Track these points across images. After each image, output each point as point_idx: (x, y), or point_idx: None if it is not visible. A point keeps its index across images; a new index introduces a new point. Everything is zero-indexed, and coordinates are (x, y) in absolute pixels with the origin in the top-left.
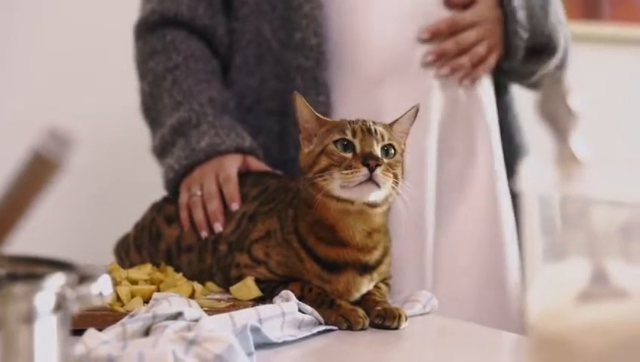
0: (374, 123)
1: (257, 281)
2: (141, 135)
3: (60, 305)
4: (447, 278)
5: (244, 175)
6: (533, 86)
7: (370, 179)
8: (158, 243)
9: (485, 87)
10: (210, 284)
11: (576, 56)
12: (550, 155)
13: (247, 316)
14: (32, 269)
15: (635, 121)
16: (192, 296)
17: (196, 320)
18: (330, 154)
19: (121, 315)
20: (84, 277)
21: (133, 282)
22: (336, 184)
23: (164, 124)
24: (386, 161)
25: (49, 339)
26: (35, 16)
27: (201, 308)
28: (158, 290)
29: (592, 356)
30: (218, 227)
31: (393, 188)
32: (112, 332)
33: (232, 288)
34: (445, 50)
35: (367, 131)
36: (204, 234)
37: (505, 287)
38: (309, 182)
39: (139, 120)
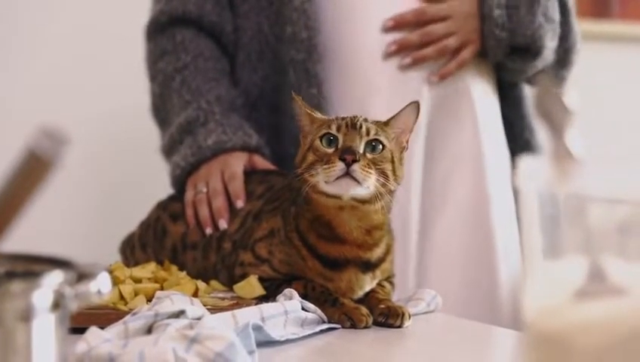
0: (365, 120)
1: (261, 280)
2: (146, 135)
3: (58, 303)
4: (433, 280)
5: (250, 173)
6: (530, 82)
7: (348, 174)
8: (163, 240)
9: (479, 85)
10: (214, 283)
11: (586, 54)
12: (546, 152)
13: (249, 314)
14: (31, 267)
15: None
16: (195, 295)
17: (198, 319)
18: (315, 150)
19: (125, 314)
20: (83, 275)
21: (137, 280)
22: (320, 179)
23: (173, 124)
24: (369, 156)
25: (47, 337)
26: (42, 16)
27: (205, 306)
28: (162, 289)
29: (589, 353)
30: (223, 224)
31: (384, 184)
32: (114, 330)
33: (236, 286)
34: (408, 40)
35: (351, 126)
36: (208, 231)
37: (492, 290)
38: (297, 178)
39: (144, 119)
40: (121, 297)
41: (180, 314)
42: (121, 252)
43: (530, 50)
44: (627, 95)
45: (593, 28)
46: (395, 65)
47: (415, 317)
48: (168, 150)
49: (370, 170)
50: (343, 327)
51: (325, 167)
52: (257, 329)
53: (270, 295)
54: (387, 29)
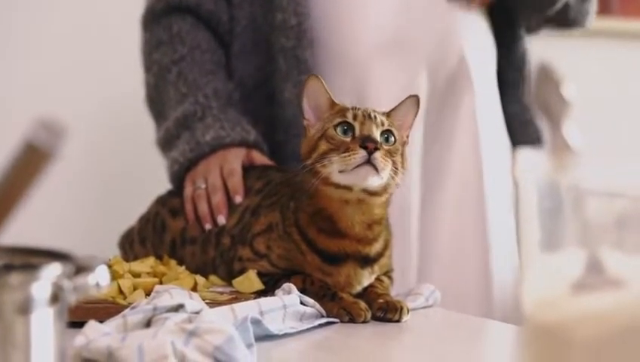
0: (374, 110)
1: (259, 274)
2: (145, 128)
3: (56, 296)
4: (428, 267)
5: (248, 168)
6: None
7: (369, 162)
8: (162, 235)
9: (478, 61)
10: (212, 277)
11: (586, 50)
12: (544, 144)
13: (248, 308)
14: (29, 260)
15: None
16: (194, 289)
17: (197, 313)
18: (330, 139)
19: (124, 308)
20: (82, 268)
21: (136, 275)
22: (334, 169)
23: (169, 117)
24: (385, 147)
25: (46, 330)
26: (39, 7)
27: (204, 300)
28: (161, 283)
29: (587, 345)
30: (221, 219)
31: (392, 177)
32: (113, 323)
33: (235, 281)
34: None
35: (367, 116)
36: (208, 226)
37: (488, 276)
38: (308, 169)
39: (142, 113)
40: (120, 291)
41: (178, 308)
42: (120, 246)
43: None
44: (627, 91)
45: (593, 25)
46: (389, 52)
47: (413, 311)
48: (165, 144)
49: (388, 160)
50: (342, 322)
51: (344, 155)
52: (256, 323)
53: (269, 289)
54: None
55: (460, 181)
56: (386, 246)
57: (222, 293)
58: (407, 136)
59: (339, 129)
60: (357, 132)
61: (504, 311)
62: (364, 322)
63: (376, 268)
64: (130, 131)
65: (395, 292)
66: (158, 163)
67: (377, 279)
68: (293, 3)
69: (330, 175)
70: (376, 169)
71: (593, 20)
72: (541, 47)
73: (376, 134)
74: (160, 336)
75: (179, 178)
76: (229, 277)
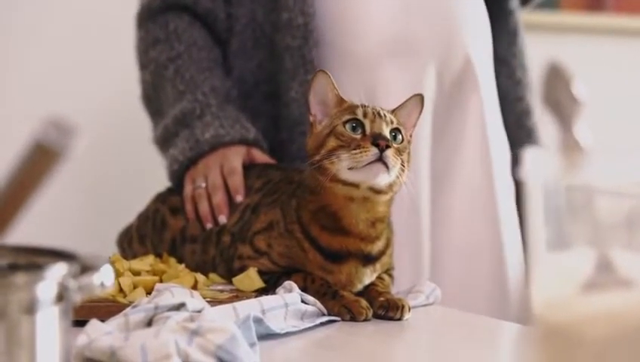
0: (382, 108)
1: (260, 272)
2: (142, 126)
3: (61, 295)
4: (441, 266)
5: (248, 167)
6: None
7: (380, 160)
8: (162, 233)
9: (483, 59)
10: (213, 275)
11: (580, 47)
12: (554, 143)
13: (249, 307)
14: (34, 259)
15: (638, 111)
16: (194, 287)
17: (199, 311)
18: (339, 135)
19: (124, 306)
20: (86, 267)
21: (136, 273)
22: (343, 166)
23: (167, 114)
24: (394, 145)
25: (51, 329)
26: (35, 8)
27: (204, 299)
28: (161, 281)
29: (597, 345)
30: (223, 219)
31: (399, 175)
32: (115, 323)
33: (235, 279)
34: None
35: (377, 114)
36: (209, 226)
37: (500, 274)
38: (315, 165)
39: (138, 110)
40: (120, 290)
41: (180, 306)
42: (119, 244)
43: None
44: (621, 88)
45: (587, 21)
46: (395, 51)
47: (414, 309)
48: (163, 142)
49: (397, 158)
50: (343, 320)
51: (355, 152)
52: (258, 321)
53: (269, 288)
54: None
55: (469, 180)
56: (388, 244)
57: (222, 291)
58: (411, 135)
59: (348, 126)
60: (367, 129)
61: (518, 308)
62: (365, 320)
63: (377, 266)
64: (127, 129)
65: (395, 290)
66: (155, 161)
67: (378, 277)
68: (299, 2)
69: (339, 172)
70: (386, 166)
71: None
72: (535, 43)
73: (386, 132)
74: (163, 335)
75: (179, 176)
76: (228, 275)
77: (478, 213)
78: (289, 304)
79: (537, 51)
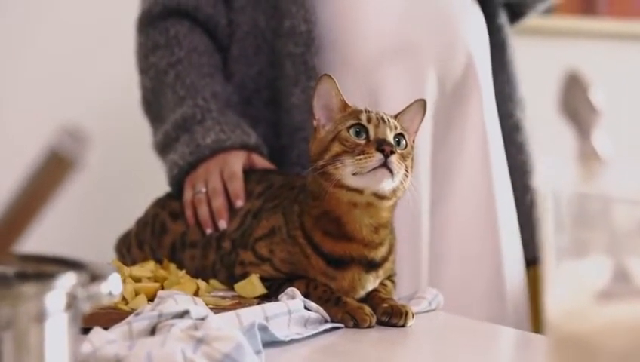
0: (385, 114)
1: (262, 279)
2: (140, 131)
3: (70, 304)
4: (439, 271)
5: (248, 172)
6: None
7: (385, 165)
8: (162, 237)
9: (483, 63)
10: (213, 281)
11: (573, 51)
12: (570, 152)
13: (253, 314)
14: (41, 268)
15: (632, 116)
16: (196, 294)
17: (202, 319)
18: (343, 141)
19: (126, 313)
20: (94, 276)
21: (137, 279)
22: (347, 171)
23: (167, 120)
24: (398, 151)
25: (60, 338)
26: (35, 11)
27: (207, 305)
28: (162, 288)
29: (612, 356)
30: (223, 224)
31: (402, 181)
32: (118, 330)
33: (237, 285)
34: None
35: (381, 119)
36: (209, 231)
37: (498, 280)
38: (319, 170)
39: (138, 115)
40: (122, 297)
41: (184, 314)
42: (117, 250)
43: None
44: (614, 92)
45: (580, 25)
46: (396, 56)
47: (417, 316)
48: (163, 147)
49: (401, 163)
50: (346, 327)
51: (360, 157)
52: (263, 329)
53: (271, 294)
54: None
55: (469, 185)
56: (391, 250)
57: (224, 298)
58: (414, 141)
59: (352, 131)
60: (372, 135)
61: (516, 315)
62: (368, 327)
63: (380, 272)
64: (125, 135)
65: (397, 296)
66: (154, 166)
67: (381, 283)
68: (302, 10)
69: (343, 177)
70: (391, 172)
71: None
72: (528, 47)
73: (390, 137)
74: (169, 344)
75: (178, 181)
76: (229, 282)
77: (477, 218)
78: (292, 311)
79: (531, 55)
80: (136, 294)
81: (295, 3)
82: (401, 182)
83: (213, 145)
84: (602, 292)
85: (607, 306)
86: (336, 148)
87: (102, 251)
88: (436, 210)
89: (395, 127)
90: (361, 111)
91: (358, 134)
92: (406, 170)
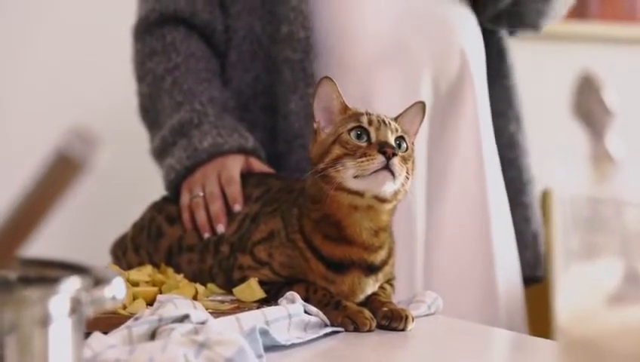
0: (386, 116)
1: (261, 283)
2: (137, 135)
3: (74, 309)
4: (432, 273)
5: (246, 176)
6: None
7: (387, 168)
8: (158, 241)
9: (477, 67)
10: (211, 286)
11: (564, 54)
12: (582, 154)
13: (253, 318)
14: (44, 272)
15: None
16: (194, 298)
17: (202, 323)
18: (345, 143)
19: (125, 318)
20: (98, 280)
21: (134, 284)
22: (348, 174)
23: (164, 125)
24: (399, 153)
25: (64, 343)
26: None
27: (206, 309)
28: (161, 292)
29: (623, 359)
30: (221, 229)
31: (403, 183)
32: (118, 335)
33: (236, 289)
34: None
35: (382, 122)
36: (206, 235)
37: (490, 283)
38: (320, 174)
39: (134, 120)
40: None
41: (183, 318)
42: (112, 253)
43: None
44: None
45: (572, 29)
46: (391, 60)
47: (417, 319)
48: (160, 152)
49: (403, 166)
50: (347, 331)
51: (361, 160)
52: (264, 333)
53: (271, 298)
54: None
55: (463, 187)
56: (390, 253)
57: (223, 302)
58: (413, 143)
59: (353, 133)
60: (373, 137)
61: (509, 318)
62: (369, 331)
63: (380, 276)
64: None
65: (396, 299)
66: (150, 170)
67: (380, 287)
68: (300, 16)
69: (344, 180)
70: (393, 175)
71: (554, 21)
72: (519, 51)
73: (392, 140)
74: (170, 349)
75: (176, 185)
76: (227, 286)
77: (470, 221)
78: (292, 315)
79: (522, 58)
80: (134, 298)
81: (293, 9)
82: (402, 185)
83: (211, 149)
84: (613, 295)
85: (618, 309)
86: (337, 150)
87: (97, 255)
88: (430, 212)
89: (396, 130)
90: (362, 114)
91: (359, 137)
92: (407, 173)
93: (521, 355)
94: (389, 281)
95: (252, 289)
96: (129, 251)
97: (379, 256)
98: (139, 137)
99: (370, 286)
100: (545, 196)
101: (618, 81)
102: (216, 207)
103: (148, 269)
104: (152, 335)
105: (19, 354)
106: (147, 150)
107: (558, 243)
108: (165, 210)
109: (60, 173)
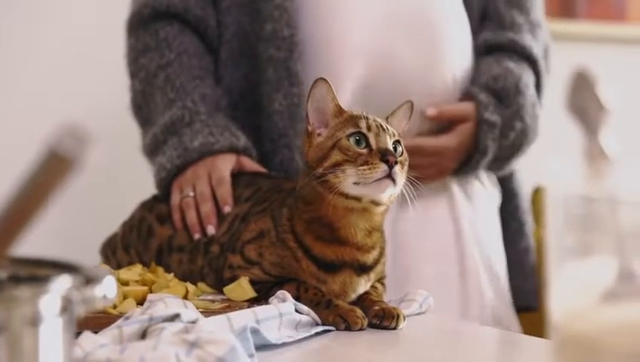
0: (381, 120)
1: (252, 282)
2: (127, 133)
3: (65, 308)
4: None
5: (237, 175)
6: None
7: (389, 176)
8: (148, 241)
9: (466, 79)
10: (201, 285)
11: (553, 54)
12: (576, 152)
13: (244, 317)
14: (34, 271)
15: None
16: (185, 297)
17: (193, 322)
18: (345, 150)
19: (115, 317)
20: (89, 279)
21: (124, 283)
22: (349, 181)
23: (156, 122)
24: (398, 158)
25: (54, 342)
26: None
27: (197, 309)
28: (151, 291)
29: (617, 356)
30: (211, 230)
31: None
32: (109, 334)
33: (226, 289)
34: None
35: (380, 127)
36: (197, 236)
37: (464, 281)
38: (319, 179)
39: (124, 117)
40: None
41: (174, 317)
42: (102, 253)
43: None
44: None
45: (560, 28)
46: (379, 63)
47: (408, 318)
48: (151, 150)
49: (403, 172)
50: (338, 329)
51: (364, 168)
52: (254, 332)
53: (262, 297)
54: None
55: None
56: (382, 253)
57: (213, 301)
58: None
59: (352, 139)
60: (373, 143)
61: (482, 317)
62: (360, 330)
63: (372, 275)
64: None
65: (387, 298)
66: (140, 169)
67: (371, 286)
68: (285, 14)
69: (344, 187)
70: (394, 181)
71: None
72: None
73: (390, 146)
74: (161, 348)
75: (166, 184)
76: (217, 285)
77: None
78: (283, 314)
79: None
80: (125, 298)
81: (277, 8)
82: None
83: (202, 149)
84: (608, 292)
85: (612, 307)
86: (336, 156)
87: (86, 254)
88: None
89: (393, 134)
90: (359, 118)
91: (358, 143)
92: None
93: (513, 353)
94: (381, 280)
95: (243, 288)
96: (119, 250)
97: (371, 256)
98: (129, 135)
99: (362, 285)
100: (537, 193)
101: (607, 80)
102: (207, 208)
103: (138, 268)
104: (143, 335)
105: (9, 354)
106: (138, 148)
107: (551, 241)
108: (156, 210)
109: (51, 171)
